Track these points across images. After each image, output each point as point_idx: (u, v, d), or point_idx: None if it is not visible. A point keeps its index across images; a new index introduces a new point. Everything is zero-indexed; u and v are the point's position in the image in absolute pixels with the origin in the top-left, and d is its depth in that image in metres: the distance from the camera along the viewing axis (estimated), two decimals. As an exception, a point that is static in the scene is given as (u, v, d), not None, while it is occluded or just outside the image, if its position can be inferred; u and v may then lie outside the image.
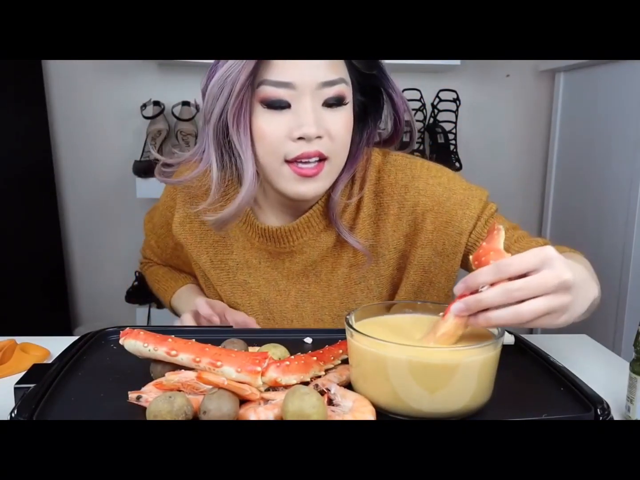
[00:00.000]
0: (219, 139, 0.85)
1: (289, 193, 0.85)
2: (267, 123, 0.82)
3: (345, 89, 0.84)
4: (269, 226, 0.94)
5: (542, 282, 0.58)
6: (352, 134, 0.88)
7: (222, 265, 0.99)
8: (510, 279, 0.59)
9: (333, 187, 0.91)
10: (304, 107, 0.81)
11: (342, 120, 0.84)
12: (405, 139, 0.99)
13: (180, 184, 0.96)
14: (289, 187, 0.85)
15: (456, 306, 0.60)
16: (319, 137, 0.82)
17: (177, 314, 1.09)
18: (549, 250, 0.59)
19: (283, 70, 0.80)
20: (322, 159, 0.83)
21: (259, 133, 0.83)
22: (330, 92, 0.82)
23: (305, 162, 0.83)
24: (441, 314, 0.63)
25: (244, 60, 0.79)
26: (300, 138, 0.81)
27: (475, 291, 0.60)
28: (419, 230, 0.93)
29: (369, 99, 0.91)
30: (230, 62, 0.80)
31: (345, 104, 0.84)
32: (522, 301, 0.58)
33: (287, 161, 0.83)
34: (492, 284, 0.59)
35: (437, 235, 0.92)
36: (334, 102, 0.83)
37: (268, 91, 0.81)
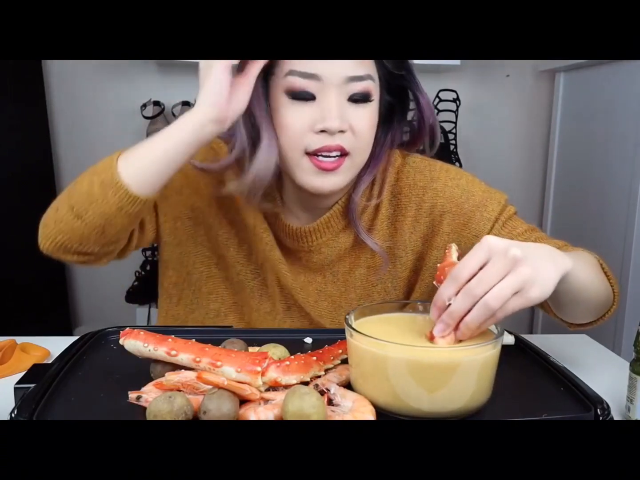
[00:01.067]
0: (248, 126, 0.85)
1: (307, 186, 0.85)
2: (290, 114, 0.82)
3: (372, 86, 0.83)
4: (290, 224, 0.93)
5: (492, 269, 0.60)
6: (377, 134, 0.88)
7: (244, 258, 0.97)
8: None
9: (354, 187, 0.91)
10: (328, 100, 0.80)
11: (366, 117, 0.83)
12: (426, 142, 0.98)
13: (218, 168, 0.91)
14: (308, 180, 0.84)
15: (437, 329, 0.63)
16: (342, 131, 0.81)
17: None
18: (489, 239, 0.61)
19: (312, 62, 0.80)
20: (343, 154, 0.83)
21: (282, 124, 0.83)
22: (357, 87, 0.81)
23: (326, 156, 0.82)
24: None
25: None
26: (322, 131, 0.81)
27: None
28: (436, 232, 0.93)
29: (396, 99, 0.90)
30: None
31: (371, 101, 0.84)
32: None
33: (308, 153, 0.82)
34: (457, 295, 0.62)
35: (454, 237, 0.92)
36: (360, 98, 0.82)
37: (294, 82, 0.80)
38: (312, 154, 0.82)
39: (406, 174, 0.94)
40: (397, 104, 0.91)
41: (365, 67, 0.82)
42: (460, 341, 0.62)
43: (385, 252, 0.94)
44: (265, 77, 0.84)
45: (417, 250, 0.95)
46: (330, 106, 0.80)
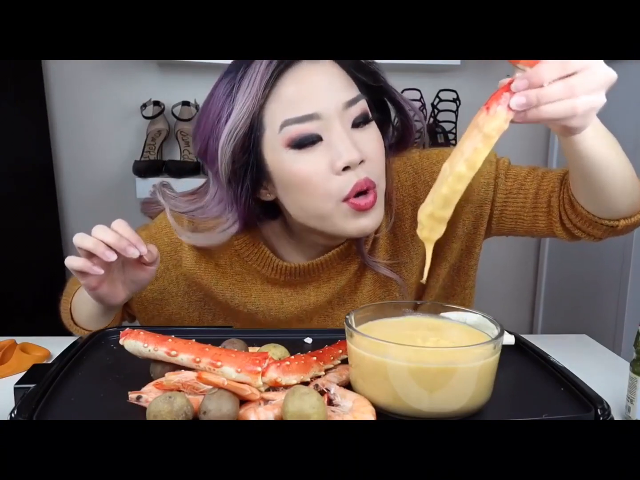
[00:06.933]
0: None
1: (348, 231, 0.80)
2: (302, 164, 0.76)
3: (366, 106, 0.80)
4: (300, 264, 0.89)
5: (597, 77, 0.58)
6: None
7: (239, 307, 0.94)
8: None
9: None
10: (337, 134, 0.76)
11: (374, 139, 0.80)
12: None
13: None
14: (349, 225, 0.79)
15: (517, 100, 0.58)
16: (362, 161, 0.77)
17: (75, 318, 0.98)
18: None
19: (303, 103, 0.75)
20: (370, 187, 0.78)
21: (297, 179, 0.77)
22: (356, 110, 0.78)
23: (361, 194, 0.77)
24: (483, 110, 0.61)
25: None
26: (345, 168, 0.76)
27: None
28: None
29: (381, 114, 0.87)
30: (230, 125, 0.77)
31: (371, 120, 0.80)
32: None
33: (344, 200, 0.77)
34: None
35: (455, 219, 0.88)
36: (362, 120, 0.78)
37: (294, 130, 0.76)
38: (348, 199, 0.77)
39: (389, 179, 0.88)
40: (383, 120, 0.88)
41: (353, 88, 0.79)
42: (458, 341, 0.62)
43: (395, 274, 0.90)
44: (250, 146, 0.78)
45: (421, 252, 0.92)
46: (341, 140, 0.76)
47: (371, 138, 0.79)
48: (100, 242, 0.72)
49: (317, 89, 0.76)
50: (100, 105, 2.05)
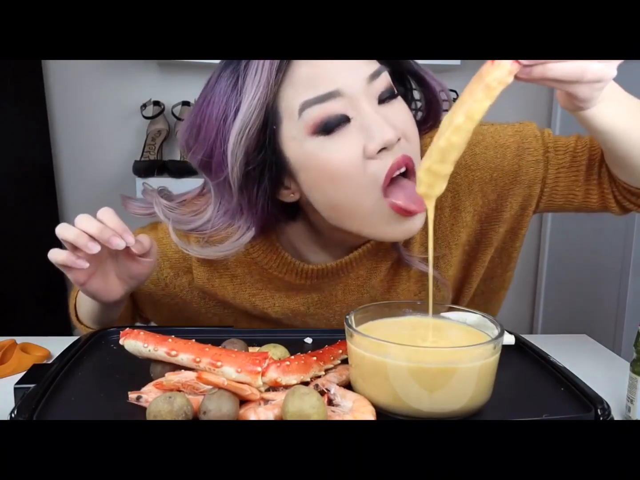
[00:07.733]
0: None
1: (392, 235, 0.73)
2: (330, 152, 0.68)
3: (389, 78, 0.72)
4: (327, 265, 0.83)
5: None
6: None
7: (262, 315, 0.88)
8: None
9: None
10: (365, 112, 0.68)
11: (403, 111, 0.72)
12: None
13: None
14: (392, 228, 0.72)
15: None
16: (398, 139, 0.69)
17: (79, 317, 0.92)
18: None
19: (322, 81, 0.68)
20: (410, 166, 0.70)
21: (328, 170, 0.69)
22: (381, 84, 0.70)
23: (403, 176, 0.70)
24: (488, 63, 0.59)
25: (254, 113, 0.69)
26: (381, 150, 0.68)
27: None
28: (482, 209, 0.83)
29: (403, 87, 0.80)
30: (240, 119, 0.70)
31: (397, 95, 0.72)
32: None
33: (386, 196, 0.70)
34: None
35: (501, 203, 0.82)
36: (389, 95, 0.71)
37: (316, 113, 0.67)
38: (388, 193, 0.70)
39: None
40: (405, 95, 0.80)
41: (372, 60, 0.72)
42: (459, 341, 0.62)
43: (434, 270, 0.81)
44: (265, 143, 0.71)
45: (461, 243, 0.85)
46: (372, 117, 0.68)
47: (402, 113, 0.72)
48: (82, 234, 0.67)
49: (335, 65, 0.69)
50: (100, 105, 2.05)
